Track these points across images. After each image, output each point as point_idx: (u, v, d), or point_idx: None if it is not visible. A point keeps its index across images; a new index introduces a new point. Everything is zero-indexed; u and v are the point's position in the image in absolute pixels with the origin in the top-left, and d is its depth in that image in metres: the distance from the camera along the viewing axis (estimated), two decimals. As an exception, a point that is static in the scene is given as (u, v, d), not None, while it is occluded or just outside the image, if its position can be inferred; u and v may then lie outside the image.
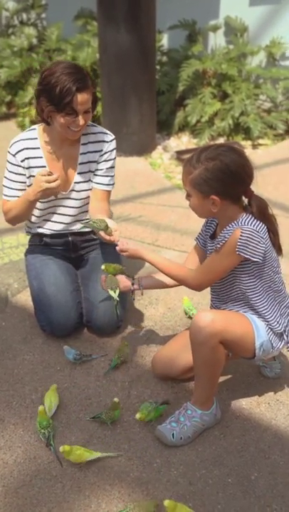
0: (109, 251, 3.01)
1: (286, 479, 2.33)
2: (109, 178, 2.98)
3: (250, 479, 2.33)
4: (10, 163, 2.89)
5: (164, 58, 5.62)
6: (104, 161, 2.93)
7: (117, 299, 2.64)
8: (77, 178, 2.93)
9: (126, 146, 4.78)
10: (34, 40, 5.89)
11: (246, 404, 2.66)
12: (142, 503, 2.19)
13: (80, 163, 2.92)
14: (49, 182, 2.69)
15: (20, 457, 2.42)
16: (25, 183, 2.90)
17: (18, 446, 2.46)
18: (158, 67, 5.53)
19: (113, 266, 2.69)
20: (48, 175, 2.70)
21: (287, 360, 2.85)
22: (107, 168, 2.95)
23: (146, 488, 2.30)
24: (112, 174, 2.99)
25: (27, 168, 2.87)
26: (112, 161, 2.96)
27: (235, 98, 5.09)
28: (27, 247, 3.24)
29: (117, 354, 2.82)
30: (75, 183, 2.94)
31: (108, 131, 2.95)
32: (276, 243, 2.45)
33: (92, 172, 2.95)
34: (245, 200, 2.42)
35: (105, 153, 2.92)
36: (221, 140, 5.17)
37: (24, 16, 6.15)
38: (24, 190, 2.89)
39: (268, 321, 2.49)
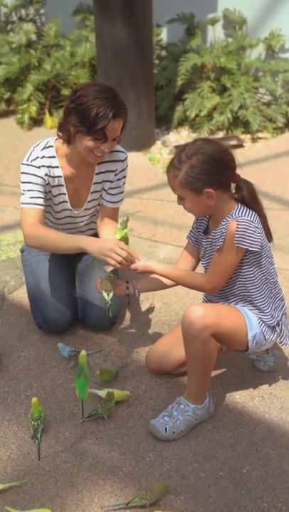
0: None
1: (278, 471, 2.34)
2: (120, 195, 2.96)
3: (242, 472, 2.34)
4: (32, 174, 2.72)
5: (163, 52, 5.60)
6: (118, 179, 2.91)
7: (109, 302, 2.63)
8: (89, 197, 2.92)
9: (124, 142, 4.69)
10: (33, 36, 5.87)
11: (240, 397, 2.66)
12: (153, 486, 2.22)
13: (95, 183, 2.89)
14: (118, 253, 2.49)
15: (14, 453, 2.44)
16: (47, 194, 2.80)
17: (12, 442, 2.49)
18: (157, 61, 5.52)
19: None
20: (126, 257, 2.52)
21: (281, 354, 2.85)
22: (119, 187, 2.93)
23: (138, 482, 2.32)
24: (123, 191, 2.97)
25: (47, 185, 2.78)
26: (124, 179, 2.94)
27: (233, 92, 5.07)
28: (23, 243, 3.25)
29: (100, 405, 2.55)
30: (88, 202, 2.93)
31: (122, 149, 2.89)
32: (266, 227, 2.49)
33: (105, 190, 2.93)
34: (234, 189, 2.45)
35: (120, 171, 2.90)
36: (221, 134, 5.16)
37: (23, 11, 6.14)
38: (44, 198, 2.76)
39: (264, 314, 2.50)
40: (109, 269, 2.62)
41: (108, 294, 2.62)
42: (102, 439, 2.49)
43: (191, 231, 2.67)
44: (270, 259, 2.53)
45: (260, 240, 2.39)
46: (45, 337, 3.01)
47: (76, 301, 3.03)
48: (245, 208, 2.41)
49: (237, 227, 2.35)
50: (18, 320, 3.14)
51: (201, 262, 2.65)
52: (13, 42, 5.68)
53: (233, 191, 2.45)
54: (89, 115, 2.57)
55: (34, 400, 2.47)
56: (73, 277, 3.11)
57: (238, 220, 2.35)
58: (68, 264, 3.13)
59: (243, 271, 2.48)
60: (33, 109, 5.35)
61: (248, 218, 2.36)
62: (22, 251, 3.21)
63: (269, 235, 2.51)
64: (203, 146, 2.34)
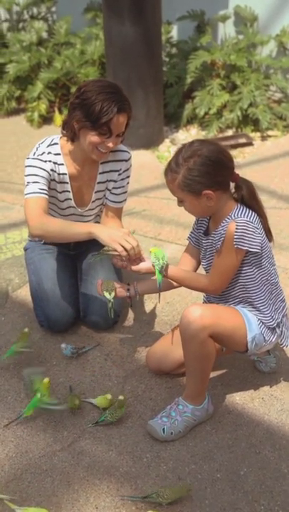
0: None
1: (275, 474, 2.32)
2: (124, 195, 2.95)
3: (239, 474, 2.33)
4: (38, 167, 2.71)
5: (174, 50, 5.58)
6: (122, 179, 2.91)
7: (112, 300, 2.61)
8: (94, 196, 2.92)
9: (132, 140, 4.73)
10: (44, 34, 5.89)
11: (240, 399, 2.64)
12: (174, 486, 2.21)
13: (98, 183, 2.89)
14: (128, 241, 2.46)
15: (12, 451, 2.44)
16: (52, 190, 2.80)
17: (10, 440, 2.49)
18: (167, 59, 5.50)
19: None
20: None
21: (283, 355, 2.82)
22: (123, 187, 2.93)
23: (134, 483, 2.31)
24: (126, 190, 2.96)
25: (52, 181, 2.78)
26: (128, 178, 2.94)
27: (243, 89, 5.03)
28: (27, 241, 3.26)
29: (110, 411, 2.51)
30: (92, 201, 2.93)
31: (126, 148, 2.89)
32: (266, 227, 2.47)
33: (109, 190, 2.93)
34: (233, 189, 2.43)
35: (124, 171, 2.89)
36: (230, 132, 5.13)
37: (35, 10, 6.15)
38: (48, 191, 2.74)
39: (264, 316, 2.48)
40: (98, 258, 2.61)
41: (110, 294, 2.61)
42: (100, 439, 2.48)
43: (191, 232, 2.65)
44: (271, 259, 2.51)
45: (260, 241, 2.37)
46: (47, 335, 3.01)
47: (78, 299, 3.03)
48: (245, 209, 2.39)
49: (236, 228, 2.33)
50: (20, 318, 3.14)
51: (201, 263, 2.63)
52: (23, 40, 5.69)
53: (233, 191, 2.43)
54: (94, 109, 2.57)
55: (45, 380, 2.51)
56: (76, 276, 3.10)
57: (237, 220, 2.33)
58: (71, 263, 3.13)
59: (243, 272, 2.46)
60: (43, 107, 5.36)
61: (247, 219, 2.34)
62: (25, 249, 3.21)
63: (269, 235, 2.49)
64: (200, 147, 2.32)
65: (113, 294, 2.62)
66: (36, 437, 2.49)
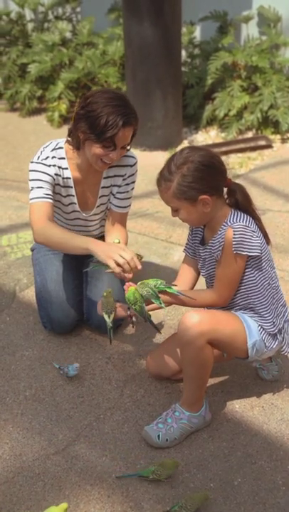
0: None
1: (270, 486, 2.26)
2: (128, 200, 2.93)
3: (233, 485, 2.27)
4: (42, 172, 2.72)
5: (196, 51, 5.53)
6: (126, 184, 2.88)
7: (110, 324, 2.57)
8: (98, 201, 2.91)
9: (150, 141, 4.73)
10: (69, 35, 5.90)
11: (239, 407, 2.59)
12: (194, 495, 2.17)
13: (103, 187, 2.87)
14: (122, 257, 2.41)
15: (6, 454, 2.43)
16: (56, 194, 2.80)
17: (5, 442, 2.48)
18: (189, 60, 5.46)
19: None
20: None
21: (286, 363, 2.76)
22: (127, 192, 2.90)
23: (126, 489, 2.27)
24: (130, 196, 2.94)
25: (56, 185, 2.78)
26: (133, 184, 2.91)
27: (264, 91, 4.96)
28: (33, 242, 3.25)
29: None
30: (96, 206, 2.92)
31: (132, 154, 2.86)
32: (262, 230, 2.43)
33: (113, 195, 2.91)
34: (226, 194, 2.40)
35: (128, 176, 2.87)
36: (250, 134, 5.06)
37: (60, 10, 6.17)
38: (53, 195, 2.75)
39: (265, 321, 2.43)
40: (98, 267, 2.58)
41: (109, 317, 2.57)
42: (94, 444, 2.45)
43: (187, 243, 2.61)
44: (271, 262, 2.46)
45: (258, 244, 2.33)
46: (50, 337, 3.00)
47: (82, 302, 3.01)
48: (240, 213, 2.35)
49: (234, 234, 2.29)
50: (25, 319, 3.14)
51: (200, 272, 2.59)
52: (47, 40, 5.71)
53: (225, 196, 2.39)
54: (98, 123, 2.54)
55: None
56: (80, 278, 3.08)
57: (233, 226, 2.29)
58: (76, 265, 3.10)
59: (245, 277, 2.41)
60: (63, 107, 5.37)
61: (244, 223, 2.30)
62: (32, 250, 3.21)
63: (267, 238, 2.44)
64: (192, 153, 2.29)
65: (112, 316, 2.57)
66: (31, 440, 2.48)
